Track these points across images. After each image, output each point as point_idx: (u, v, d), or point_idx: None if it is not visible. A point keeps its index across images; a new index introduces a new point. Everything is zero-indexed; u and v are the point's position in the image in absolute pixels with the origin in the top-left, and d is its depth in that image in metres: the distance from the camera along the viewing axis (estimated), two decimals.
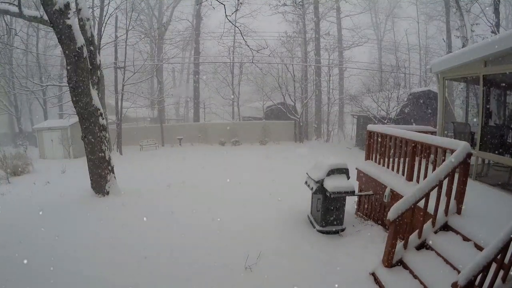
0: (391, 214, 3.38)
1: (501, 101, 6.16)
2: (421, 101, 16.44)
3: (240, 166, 13.00)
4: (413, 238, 3.62)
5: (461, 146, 3.54)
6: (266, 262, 4.22)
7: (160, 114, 24.02)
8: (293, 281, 3.78)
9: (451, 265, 3.09)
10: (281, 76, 23.04)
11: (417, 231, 3.62)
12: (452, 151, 3.61)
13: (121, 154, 18.07)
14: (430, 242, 3.52)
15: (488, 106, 5.47)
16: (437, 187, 3.49)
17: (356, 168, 6.26)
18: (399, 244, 3.59)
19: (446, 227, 3.61)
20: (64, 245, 4.88)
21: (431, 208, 3.58)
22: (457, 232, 3.44)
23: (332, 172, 5.25)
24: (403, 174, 4.76)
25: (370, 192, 5.63)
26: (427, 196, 3.47)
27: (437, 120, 6.78)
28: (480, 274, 2.40)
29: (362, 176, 6.04)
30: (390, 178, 4.95)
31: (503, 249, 2.42)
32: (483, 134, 5.17)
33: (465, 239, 3.29)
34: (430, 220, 3.62)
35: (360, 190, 6.12)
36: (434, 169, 3.91)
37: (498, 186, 4.55)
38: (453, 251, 3.21)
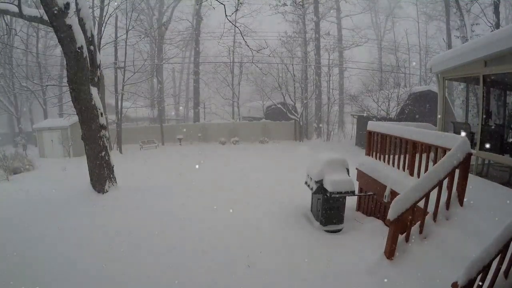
0: (391, 214, 3.38)
1: (501, 101, 6.15)
2: (421, 100, 16.43)
3: (240, 164, 13.00)
4: (415, 231, 3.61)
5: (458, 143, 3.53)
6: (267, 257, 4.25)
7: (160, 114, 24.03)
8: (294, 276, 3.80)
9: (453, 258, 3.08)
10: (281, 76, 23.05)
11: (418, 223, 3.62)
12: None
13: (121, 153, 18.10)
14: (432, 235, 3.52)
15: (488, 106, 5.47)
16: (437, 185, 3.49)
17: (356, 168, 6.26)
18: (401, 237, 3.58)
19: (448, 219, 3.61)
20: (64, 240, 4.91)
21: (431, 204, 3.57)
22: (459, 224, 3.44)
23: (332, 169, 5.25)
24: (403, 170, 4.76)
25: (370, 193, 5.63)
26: (427, 196, 3.48)
27: (437, 120, 6.79)
28: (481, 273, 2.39)
29: (362, 176, 6.04)
30: (390, 175, 4.94)
31: (506, 245, 2.39)
32: (483, 134, 5.17)
33: (468, 231, 3.28)
34: (432, 213, 3.63)
35: (360, 190, 6.12)
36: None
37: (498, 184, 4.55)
38: (455, 244, 3.21)
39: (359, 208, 6.26)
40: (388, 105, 16.46)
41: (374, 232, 4.80)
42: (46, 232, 5.33)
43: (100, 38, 15.27)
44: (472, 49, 5.20)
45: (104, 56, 17.92)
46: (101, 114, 7.74)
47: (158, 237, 5.03)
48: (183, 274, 3.93)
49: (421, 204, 3.55)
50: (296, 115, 22.58)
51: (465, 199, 3.69)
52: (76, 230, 5.42)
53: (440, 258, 3.19)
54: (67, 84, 7.45)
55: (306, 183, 5.83)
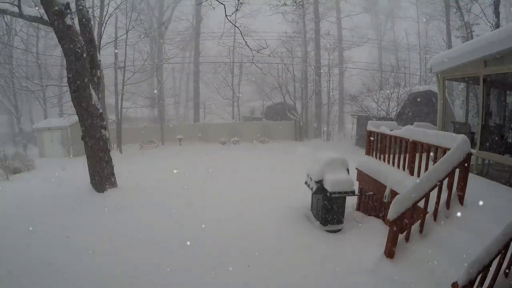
0: (391, 213, 3.39)
1: (501, 101, 6.16)
2: (421, 100, 16.43)
3: (241, 164, 12.98)
4: (415, 230, 3.61)
5: (458, 142, 3.53)
6: (267, 257, 4.26)
7: (160, 114, 24.03)
8: (294, 276, 3.80)
9: (454, 257, 3.07)
10: (281, 76, 23.05)
11: (418, 222, 3.62)
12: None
13: (121, 152, 18.10)
14: (432, 234, 3.52)
15: (488, 106, 5.47)
16: (437, 185, 3.49)
17: (356, 168, 6.27)
18: (401, 236, 3.58)
19: (448, 218, 3.61)
20: (64, 240, 4.92)
21: (432, 204, 3.57)
22: (459, 224, 3.44)
23: (332, 169, 5.25)
24: (403, 170, 4.76)
25: (370, 192, 5.64)
26: (426, 196, 3.48)
27: (437, 120, 6.79)
28: (482, 273, 2.38)
29: (362, 176, 6.04)
30: (390, 174, 4.95)
31: (506, 245, 2.39)
32: (483, 134, 5.17)
33: (468, 230, 3.28)
34: (432, 212, 3.63)
35: (360, 190, 6.12)
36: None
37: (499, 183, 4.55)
38: (456, 243, 3.21)
39: (359, 207, 6.26)
40: (388, 105, 16.45)
41: (374, 232, 4.80)
42: (46, 232, 5.34)
43: (100, 38, 15.24)
44: (472, 49, 5.20)
45: (104, 56, 17.87)
46: (101, 114, 7.75)
47: (157, 236, 5.04)
48: (182, 272, 3.94)
49: (421, 203, 3.55)
50: (296, 115, 22.59)
51: (465, 199, 3.69)
52: (76, 230, 5.43)
53: (440, 257, 3.18)
54: (67, 84, 7.45)
55: (306, 183, 5.83)
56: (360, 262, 3.85)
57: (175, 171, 7.48)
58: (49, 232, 5.31)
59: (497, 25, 14.15)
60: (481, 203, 3.65)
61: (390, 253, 3.53)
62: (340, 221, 5.33)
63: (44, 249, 4.67)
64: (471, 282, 2.32)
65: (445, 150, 3.80)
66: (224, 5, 7.08)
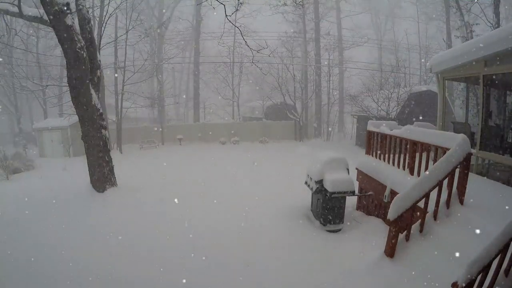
0: (391, 213, 3.39)
1: (501, 101, 6.15)
2: (421, 100, 16.43)
3: (241, 164, 12.99)
4: (415, 229, 3.61)
5: (458, 142, 3.53)
6: (267, 257, 4.26)
7: (160, 114, 24.03)
8: (294, 276, 3.80)
9: (454, 257, 3.04)
10: (281, 76, 23.05)
11: (419, 222, 3.61)
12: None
13: (121, 152, 18.11)
14: (433, 233, 3.52)
15: (488, 106, 5.47)
16: (437, 185, 3.49)
17: (356, 168, 6.27)
18: (401, 236, 3.58)
19: (448, 218, 3.61)
20: (64, 240, 4.91)
21: (432, 203, 3.57)
22: (459, 223, 3.44)
23: (332, 168, 5.25)
24: (403, 170, 4.76)
25: (370, 192, 5.64)
26: (426, 195, 3.48)
27: (437, 120, 6.79)
28: (482, 273, 2.38)
29: (362, 176, 6.04)
30: (390, 174, 4.94)
31: (506, 244, 2.37)
32: (483, 134, 5.17)
33: (468, 230, 3.27)
34: (432, 212, 3.62)
35: (360, 189, 6.12)
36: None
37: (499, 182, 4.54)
38: (456, 242, 3.20)
39: (359, 207, 6.26)
40: (388, 105, 16.46)
41: (374, 231, 4.80)
42: (46, 232, 5.34)
43: (100, 38, 15.23)
44: (472, 49, 5.20)
45: (104, 56, 17.86)
46: (101, 114, 7.75)
47: (155, 236, 5.04)
48: (181, 272, 3.94)
49: (421, 203, 3.55)
50: (296, 115, 22.59)
51: (465, 198, 3.69)
52: (76, 229, 5.44)
53: (440, 256, 3.19)
54: (67, 84, 7.46)
55: (306, 183, 5.84)
56: (360, 262, 3.85)
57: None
58: (49, 233, 5.30)
59: (497, 25, 14.14)
60: (481, 203, 3.65)
61: (390, 252, 3.53)
62: (340, 221, 5.33)
63: (39, 251, 4.65)
64: (471, 282, 2.32)
65: (445, 150, 3.79)
66: (224, 5, 7.07)
